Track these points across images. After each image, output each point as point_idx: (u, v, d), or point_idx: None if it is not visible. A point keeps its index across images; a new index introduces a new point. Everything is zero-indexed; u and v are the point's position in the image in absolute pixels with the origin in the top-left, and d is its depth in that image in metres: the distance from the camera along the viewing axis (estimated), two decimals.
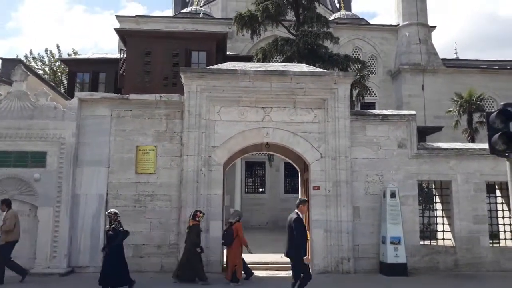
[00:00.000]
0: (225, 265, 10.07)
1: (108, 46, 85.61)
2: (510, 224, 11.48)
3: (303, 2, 22.04)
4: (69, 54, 31.33)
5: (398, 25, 30.48)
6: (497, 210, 11.71)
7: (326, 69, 16.79)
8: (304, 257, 7.25)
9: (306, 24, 22.07)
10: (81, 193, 10.56)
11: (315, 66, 17.03)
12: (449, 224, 11.43)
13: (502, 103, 7.16)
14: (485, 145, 7.26)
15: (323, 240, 10.60)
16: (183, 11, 35.35)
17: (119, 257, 8.42)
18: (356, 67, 22.64)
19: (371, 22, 36.16)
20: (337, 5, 40.36)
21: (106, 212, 8.56)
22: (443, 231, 11.45)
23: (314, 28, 21.89)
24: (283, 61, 20.75)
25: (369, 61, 29.56)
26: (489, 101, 27.73)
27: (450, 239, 11.29)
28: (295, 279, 7.28)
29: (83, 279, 9.40)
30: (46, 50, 31.15)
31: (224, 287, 9.26)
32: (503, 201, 11.55)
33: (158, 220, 10.55)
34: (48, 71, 30.03)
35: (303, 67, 12.32)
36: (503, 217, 11.46)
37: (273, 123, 11.07)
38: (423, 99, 27.80)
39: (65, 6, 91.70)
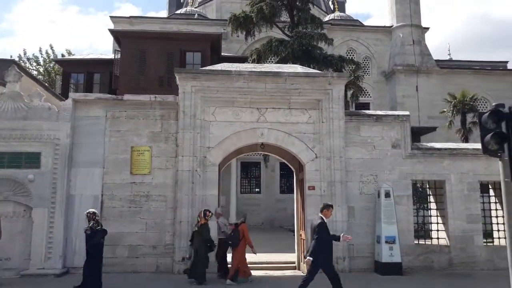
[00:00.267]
0: (229, 265, 10.09)
1: (103, 47, 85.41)
2: (503, 223, 11.58)
3: (297, 3, 22.13)
4: (63, 55, 31.21)
5: (392, 26, 30.68)
6: (490, 210, 11.81)
7: (321, 70, 16.88)
8: (307, 258, 7.42)
9: (301, 25, 22.15)
10: (76, 194, 10.52)
11: (310, 67, 17.09)
12: (443, 223, 11.52)
13: (494, 104, 7.23)
14: (478, 145, 7.34)
15: None
16: (178, 12, 35.37)
17: (97, 257, 8.36)
18: (351, 68, 22.77)
19: (365, 23, 36.29)
20: (331, 7, 40.50)
21: (85, 212, 8.53)
22: (438, 230, 11.53)
23: (308, 29, 21.98)
24: (277, 62, 20.79)
25: (363, 62, 29.72)
26: (482, 102, 27.97)
27: (445, 238, 11.37)
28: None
29: (78, 280, 9.34)
30: (40, 50, 30.98)
31: (218, 286, 9.27)
32: (497, 201, 11.64)
33: (154, 221, 10.54)
34: (43, 72, 29.89)
35: (298, 68, 12.36)
36: (497, 216, 11.56)
37: (268, 123, 11.10)
38: (417, 100, 28.02)
39: (58, 7, 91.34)
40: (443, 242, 11.35)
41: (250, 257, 10.16)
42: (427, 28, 32.02)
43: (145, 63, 18.09)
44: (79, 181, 10.57)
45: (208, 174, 10.74)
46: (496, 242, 11.64)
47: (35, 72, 28.91)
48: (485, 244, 11.45)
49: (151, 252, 10.40)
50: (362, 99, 26.53)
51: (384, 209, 10.59)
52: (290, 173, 14.73)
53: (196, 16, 32.43)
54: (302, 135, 11.12)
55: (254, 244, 9.96)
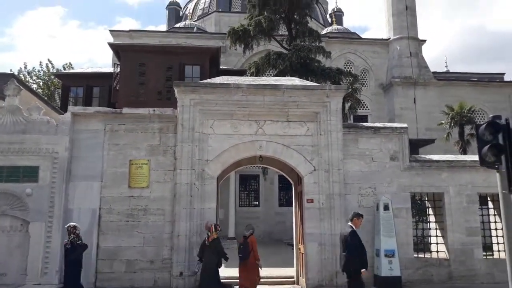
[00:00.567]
0: (235, 280, 10.01)
1: (102, 61, 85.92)
2: (502, 236, 11.52)
3: (295, 17, 22.35)
4: (64, 68, 31.39)
5: (389, 39, 30.94)
6: (489, 222, 11.78)
7: (319, 83, 16.96)
8: (362, 270, 7.53)
9: (299, 38, 22.35)
10: (74, 207, 10.46)
11: (308, 80, 17.18)
12: (442, 236, 11.46)
13: (491, 115, 7.27)
14: (476, 157, 7.33)
15: (317, 253, 10.57)
16: (177, 25, 35.66)
17: (76, 272, 8.26)
18: (348, 80, 22.89)
19: (363, 36, 36.61)
20: (329, 20, 40.90)
21: (66, 226, 8.46)
22: (437, 243, 11.47)
23: (306, 42, 22.16)
24: (276, 75, 20.92)
25: (361, 75, 29.91)
26: (480, 113, 28.07)
27: (444, 251, 11.31)
28: None
29: None
30: (40, 63, 31.18)
31: None
32: (496, 213, 11.61)
33: (151, 235, 10.47)
34: (42, 85, 30.01)
35: (296, 81, 12.43)
36: (496, 229, 11.51)
37: (267, 136, 11.12)
38: (415, 112, 28.12)
39: (59, 22, 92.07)
40: (442, 255, 11.28)
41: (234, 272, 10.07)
42: (424, 41, 32.30)
43: (144, 76, 18.18)
44: (77, 194, 10.52)
45: (207, 187, 10.71)
46: (495, 255, 11.57)
47: (34, 86, 29.02)
48: (485, 257, 11.38)
49: (149, 267, 10.31)
50: (360, 112, 26.64)
51: (383, 222, 10.56)
52: (289, 186, 14.70)
53: (195, 29, 32.71)
54: (300, 148, 11.13)
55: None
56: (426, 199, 12.40)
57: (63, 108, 17.11)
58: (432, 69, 30.76)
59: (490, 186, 10.95)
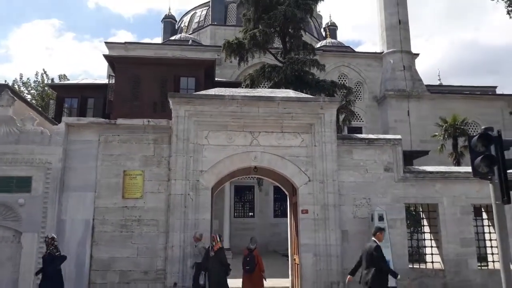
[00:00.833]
0: None
1: (98, 73, 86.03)
2: (497, 247, 11.54)
3: (290, 30, 22.57)
4: (59, 79, 31.41)
5: (382, 52, 31.29)
6: (484, 233, 11.81)
7: (313, 95, 17.07)
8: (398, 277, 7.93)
9: (293, 51, 22.54)
10: (67, 218, 10.38)
11: (302, 92, 17.30)
12: (437, 247, 11.46)
13: (483, 127, 7.36)
14: (470, 168, 7.40)
15: (313, 264, 10.53)
16: (172, 38, 35.89)
17: (56, 283, 8.17)
18: (342, 93, 23.05)
19: (356, 50, 37.00)
20: (323, 34, 41.39)
21: (43, 236, 8.38)
22: (432, 254, 11.47)
23: (300, 55, 22.36)
24: (270, 87, 21.03)
25: (355, 87, 30.15)
26: (473, 126, 28.33)
27: (439, 262, 11.30)
28: None
29: None
30: (36, 74, 31.15)
31: None
32: (490, 224, 11.65)
33: (145, 246, 10.39)
34: (36, 96, 29.96)
35: (290, 93, 12.52)
36: (490, 240, 11.54)
37: (261, 147, 11.14)
38: (409, 124, 28.30)
39: (54, 34, 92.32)
40: (437, 266, 11.27)
41: (237, 283, 10.10)
42: (417, 54, 32.68)
43: (139, 88, 18.25)
44: (70, 205, 10.44)
45: (201, 198, 10.68)
46: (490, 265, 11.58)
47: (29, 97, 28.96)
48: (480, 267, 11.38)
49: (142, 278, 10.20)
50: (354, 123, 26.78)
51: None
52: (284, 197, 14.68)
53: (190, 42, 32.91)
54: (295, 159, 11.15)
55: (240, 270, 10.12)
56: (421, 210, 12.43)
57: (57, 119, 17.07)
58: (425, 82, 31.08)
59: (484, 197, 10.99)
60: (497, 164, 6.92)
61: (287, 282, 12.03)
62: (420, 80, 30.42)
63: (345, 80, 30.37)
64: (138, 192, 10.63)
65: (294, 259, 11.59)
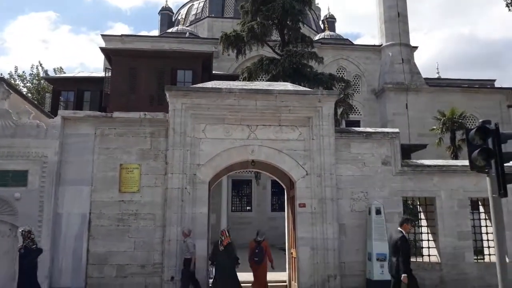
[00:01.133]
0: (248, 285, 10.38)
1: (94, 66, 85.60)
2: (493, 240, 11.57)
3: (288, 22, 22.42)
4: (55, 72, 31.23)
5: (381, 45, 31.18)
6: (480, 226, 11.83)
7: (311, 88, 17.01)
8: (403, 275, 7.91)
9: (291, 44, 22.42)
10: (63, 212, 10.34)
11: (300, 85, 17.22)
12: (434, 240, 11.48)
13: (481, 120, 7.33)
14: (467, 162, 7.39)
15: (310, 258, 10.53)
16: (169, 30, 35.67)
17: (31, 277, 8.12)
18: (341, 86, 22.98)
19: (355, 42, 36.85)
20: (322, 26, 41.15)
21: (20, 230, 8.31)
22: (429, 247, 11.49)
23: (299, 48, 22.25)
24: (268, 80, 20.94)
25: (353, 80, 30.06)
26: (471, 119, 28.32)
27: (436, 255, 11.33)
28: None
29: None
30: (32, 67, 31.02)
31: None
32: (486, 217, 11.67)
33: (142, 240, 10.36)
34: (32, 89, 29.79)
35: (288, 86, 12.44)
36: (487, 233, 11.56)
37: (259, 140, 11.09)
38: (407, 117, 28.29)
39: (50, 26, 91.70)
40: (434, 259, 11.30)
41: (241, 276, 10.17)
42: (416, 47, 32.61)
43: (136, 81, 18.14)
44: (66, 199, 10.39)
45: (198, 191, 10.63)
46: (486, 258, 11.62)
47: (24, 90, 28.80)
48: (476, 261, 11.42)
49: (140, 272, 10.19)
50: (352, 117, 26.74)
51: (375, 226, 10.55)
52: (282, 191, 14.68)
53: (187, 34, 32.71)
54: (292, 152, 11.11)
55: (246, 264, 10.26)
56: (418, 203, 12.44)
57: (53, 112, 16.99)
58: (424, 76, 31.03)
59: (481, 191, 10.99)
60: (494, 157, 6.91)
61: (284, 275, 12.05)
62: (419, 73, 30.36)
63: (343, 73, 30.29)
64: (134, 186, 10.58)
65: (291, 253, 11.59)
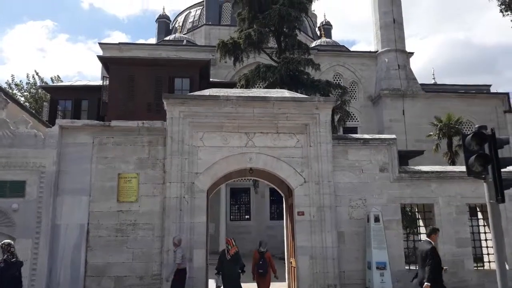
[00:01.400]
0: None
1: (92, 74, 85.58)
2: (492, 247, 11.55)
3: (285, 30, 22.50)
4: (52, 80, 31.19)
5: (377, 51, 31.29)
6: (479, 233, 11.81)
7: (308, 95, 17.02)
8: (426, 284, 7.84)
9: (288, 51, 22.46)
10: (61, 223, 10.26)
11: (297, 92, 17.24)
12: None
13: (477, 126, 7.35)
14: (465, 168, 7.39)
15: (309, 267, 10.47)
16: (166, 38, 35.74)
17: None
18: (337, 92, 22.99)
19: (351, 49, 37.02)
20: (318, 33, 41.35)
21: (0, 243, 8.13)
22: None
23: (295, 55, 22.28)
24: (265, 87, 20.95)
25: (350, 87, 30.12)
26: (468, 125, 28.37)
27: None
28: None
29: None
30: (27, 76, 31.00)
31: None
32: (485, 224, 11.66)
33: (141, 250, 10.28)
34: (30, 99, 29.73)
35: (285, 93, 12.46)
36: (486, 240, 11.53)
37: (257, 148, 11.08)
38: (404, 124, 28.32)
39: (48, 35, 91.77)
40: None
41: (244, 286, 10.21)
42: (412, 53, 32.74)
43: (133, 89, 18.11)
44: (65, 210, 10.32)
45: (197, 200, 10.60)
46: (486, 266, 11.58)
47: (22, 99, 28.74)
48: (476, 268, 11.38)
49: (138, 283, 10.10)
50: (349, 124, 26.72)
51: (374, 234, 10.52)
52: (280, 199, 14.63)
53: (184, 42, 32.79)
54: (290, 160, 11.10)
55: (248, 274, 10.42)
56: (416, 210, 12.42)
57: (51, 122, 16.93)
58: (420, 81, 31.12)
59: (479, 197, 10.95)
60: (491, 163, 6.93)
61: (283, 285, 11.97)
62: (415, 79, 30.46)
63: (340, 80, 30.36)
64: (133, 196, 10.53)
65: (291, 262, 11.53)
